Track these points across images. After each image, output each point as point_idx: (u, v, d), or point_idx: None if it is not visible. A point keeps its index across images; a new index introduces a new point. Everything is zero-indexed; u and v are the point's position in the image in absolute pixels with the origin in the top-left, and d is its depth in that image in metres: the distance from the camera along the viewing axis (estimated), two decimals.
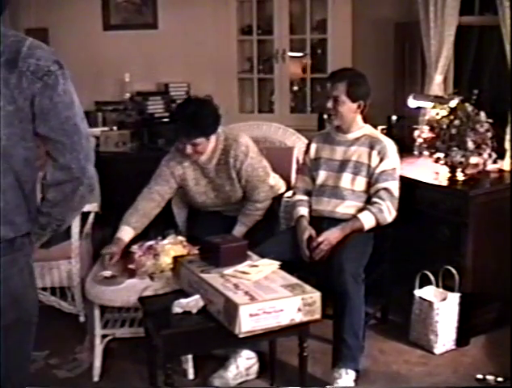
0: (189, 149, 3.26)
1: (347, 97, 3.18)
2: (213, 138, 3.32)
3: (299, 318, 2.44)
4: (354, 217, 3.16)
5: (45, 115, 1.66)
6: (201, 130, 3.23)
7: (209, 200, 3.49)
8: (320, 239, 3.11)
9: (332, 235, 3.12)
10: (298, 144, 3.92)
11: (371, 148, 3.21)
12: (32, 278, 1.81)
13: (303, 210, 3.31)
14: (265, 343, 2.98)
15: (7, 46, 1.62)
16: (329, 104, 3.22)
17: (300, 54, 5.17)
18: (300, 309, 2.43)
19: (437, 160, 3.38)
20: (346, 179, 3.23)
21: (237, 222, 3.42)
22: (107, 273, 3.02)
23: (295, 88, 5.29)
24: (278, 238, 3.35)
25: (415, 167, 3.65)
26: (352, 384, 2.92)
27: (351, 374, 2.92)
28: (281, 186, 3.69)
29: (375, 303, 3.43)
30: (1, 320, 1.70)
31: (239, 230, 3.39)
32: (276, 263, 2.73)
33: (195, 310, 2.51)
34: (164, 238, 3.20)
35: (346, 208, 3.21)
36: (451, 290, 3.25)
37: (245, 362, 3.01)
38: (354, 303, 2.92)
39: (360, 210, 3.19)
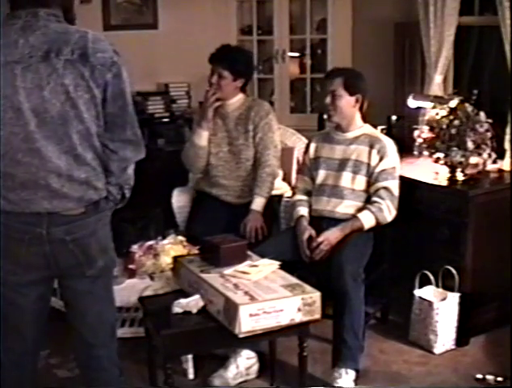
0: (214, 78, 3.49)
1: (344, 90, 3.20)
2: (243, 96, 3.60)
3: (299, 318, 2.44)
4: (354, 216, 3.17)
5: (115, 98, 2.00)
6: (230, 65, 3.48)
7: (221, 154, 3.60)
8: (320, 239, 3.12)
9: (332, 235, 3.12)
10: (298, 144, 3.92)
11: (371, 147, 3.21)
12: (109, 232, 2.19)
13: (303, 210, 3.31)
14: (265, 342, 2.98)
15: (76, 43, 1.94)
16: (328, 100, 3.23)
17: (299, 54, 5.17)
18: (299, 309, 2.43)
19: (437, 160, 3.38)
20: (346, 178, 3.23)
21: (253, 197, 3.49)
22: None
23: (295, 88, 5.29)
24: (278, 238, 3.36)
25: (415, 167, 3.66)
26: (352, 384, 2.92)
27: (351, 374, 2.93)
28: (286, 190, 3.72)
29: (375, 303, 3.43)
30: (92, 268, 2.09)
31: (259, 202, 3.49)
32: (276, 263, 2.73)
33: (195, 310, 2.52)
34: (164, 237, 3.21)
35: (345, 207, 3.22)
36: (451, 290, 3.26)
37: (245, 362, 3.02)
38: (354, 303, 2.93)
39: (360, 210, 3.19)
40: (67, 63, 1.92)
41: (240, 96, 3.59)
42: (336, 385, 2.90)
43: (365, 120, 3.33)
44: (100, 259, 2.12)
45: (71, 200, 2.00)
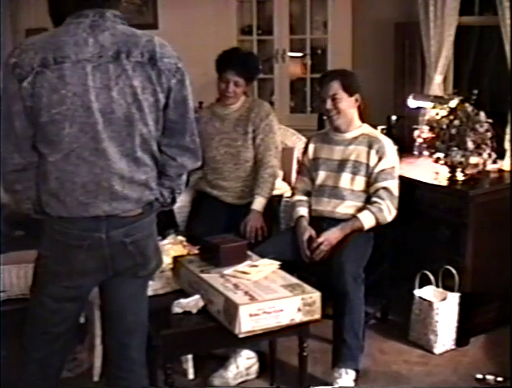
0: (232, 86, 3.45)
1: (344, 92, 3.20)
2: (244, 98, 3.57)
3: (299, 318, 2.44)
4: (354, 216, 3.17)
5: (177, 104, 2.02)
6: (244, 71, 3.46)
7: (218, 157, 3.58)
8: (320, 239, 3.12)
9: (332, 235, 3.12)
10: (298, 144, 3.92)
11: (370, 147, 3.21)
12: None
13: (302, 210, 3.31)
14: (265, 342, 2.98)
15: (145, 46, 1.95)
16: (329, 105, 3.22)
17: (299, 54, 5.17)
18: (299, 309, 2.43)
19: (437, 160, 3.38)
20: (345, 179, 3.23)
21: (254, 197, 3.48)
22: None
23: (295, 88, 5.29)
24: (278, 238, 3.36)
25: (415, 167, 3.66)
26: (352, 384, 2.92)
27: (351, 374, 2.93)
28: (286, 190, 3.72)
29: (375, 303, 3.43)
30: (145, 269, 2.14)
31: (259, 202, 3.47)
32: (276, 263, 2.72)
33: (195, 310, 2.51)
34: (164, 237, 3.20)
35: (345, 208, 3.22)
36: (451, 290, 3.26)
37: (245, 362, 3.02)
38: (354, 303, 2.93)
39: (360, 210, 3.19)
40: (137, 65, 1.92)
41: (242, 98, 3.58)
42: (336, 385, 2.90)
43: (364, 120, 3.33)
44: (154, 260, 2.16)
45: (130, 201, 2.00)
